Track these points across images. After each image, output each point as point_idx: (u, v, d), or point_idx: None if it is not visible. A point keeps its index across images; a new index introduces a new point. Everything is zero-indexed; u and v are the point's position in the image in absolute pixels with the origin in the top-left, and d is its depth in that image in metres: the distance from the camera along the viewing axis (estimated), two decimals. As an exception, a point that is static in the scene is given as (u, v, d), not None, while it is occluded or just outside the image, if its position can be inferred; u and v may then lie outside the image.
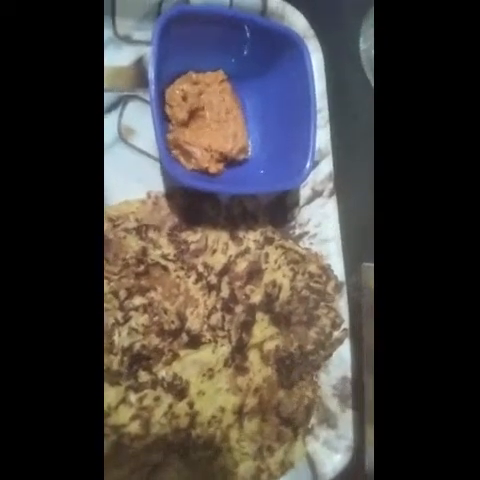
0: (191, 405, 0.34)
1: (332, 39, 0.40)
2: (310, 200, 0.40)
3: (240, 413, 0.36)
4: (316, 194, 0.40)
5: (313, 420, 0.39)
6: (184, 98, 0.34)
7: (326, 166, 0.40)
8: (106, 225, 0.34)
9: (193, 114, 0.35)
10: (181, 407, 0.34)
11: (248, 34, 0.34)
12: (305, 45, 0.34)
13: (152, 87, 0.31)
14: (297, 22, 0.39)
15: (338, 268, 0.40)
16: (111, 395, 0.32)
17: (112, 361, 0.32)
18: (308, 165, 0.34)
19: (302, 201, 0.40)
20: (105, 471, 0.32)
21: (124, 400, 0.32)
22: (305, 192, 0.40)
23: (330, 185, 0.40)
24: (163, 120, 0.33)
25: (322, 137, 0.39)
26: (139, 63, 0.36)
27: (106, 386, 0.32)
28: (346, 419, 0.39)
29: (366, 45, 0.43)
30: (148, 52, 0.32)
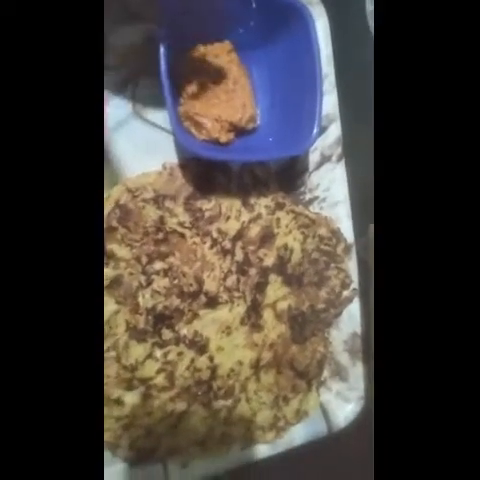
0: (211, 359, 0.37)
1: (338, 2, 0.40)
2: (319, 165, 0.41)
3: (257, 366, 0.38)
4: (325, 159, 0.41)
5: (326, 373, 0.41)
6: (193, 71, 0.35)
7: (334, 131, 0.41)
8: (126, 196, 0.36)
9: (203, 86, 0.36)
10: (202, 361, 0.36)
11: (254, 4, 0.35)
12: (309, 13, 0.35)
13: (162, 63, 0.32)
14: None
15: (347, 231, 0.41)
16: (139, 351, 0.35)
17: (138, 320, 0.35)
18: (315, 131, 0.35)
19: (311, 166, 0.41)
20: (136, 419, 0.35)
21: (150, 355, 0.35)
22: (314, 157, 0.41)
23: (338, 150, 0.41)
24: (174, 94, 0.34)
25: (330, 102, 0.39)
26: (150, 40, 0.37)
27: (134, 343, 0.35)
28: (357, 372, 0.41)
29: (373, 6, 0.42)
30: (157, 29, 0.32)
